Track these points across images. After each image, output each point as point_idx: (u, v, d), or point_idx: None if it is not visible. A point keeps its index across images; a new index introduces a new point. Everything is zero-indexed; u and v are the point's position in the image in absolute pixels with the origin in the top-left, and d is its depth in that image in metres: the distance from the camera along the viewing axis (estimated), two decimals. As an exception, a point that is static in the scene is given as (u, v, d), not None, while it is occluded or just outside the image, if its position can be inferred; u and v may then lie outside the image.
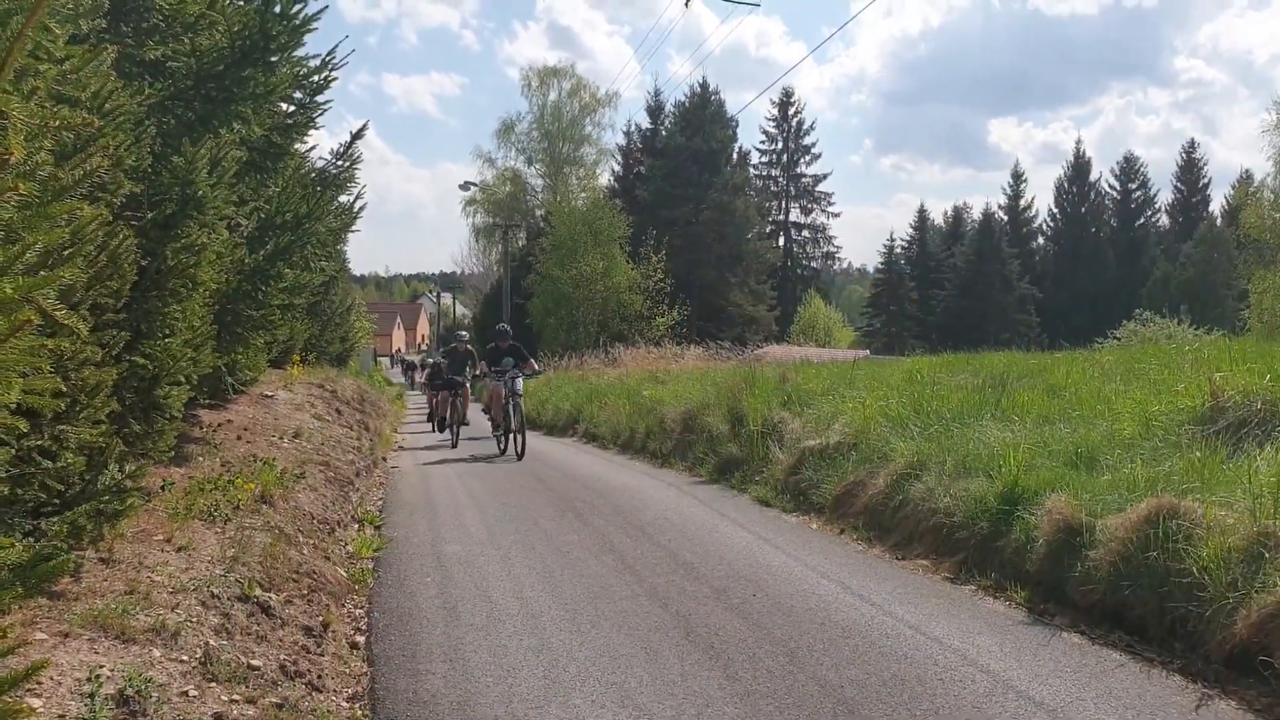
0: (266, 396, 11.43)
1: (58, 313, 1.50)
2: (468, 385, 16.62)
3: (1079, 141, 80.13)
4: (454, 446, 15.13)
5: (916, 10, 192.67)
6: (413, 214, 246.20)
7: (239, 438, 8.19)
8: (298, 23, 5.48)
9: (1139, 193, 59.48)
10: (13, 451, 3.14)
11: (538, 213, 50.62)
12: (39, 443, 3.02)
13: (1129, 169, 59.72)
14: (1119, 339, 29.30)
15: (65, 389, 3.10)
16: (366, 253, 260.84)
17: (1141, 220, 59.40)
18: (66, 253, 1.94)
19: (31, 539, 2.77)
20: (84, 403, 3.19)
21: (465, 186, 48.17)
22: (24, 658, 2.80)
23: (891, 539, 6.50)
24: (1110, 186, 60.25)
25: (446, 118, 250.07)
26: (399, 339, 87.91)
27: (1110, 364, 10.82)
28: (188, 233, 4.21)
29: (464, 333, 19.88)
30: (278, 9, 5.38)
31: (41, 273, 1.47)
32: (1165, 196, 61.03)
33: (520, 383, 13.33)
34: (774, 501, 8.22)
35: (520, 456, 12.44)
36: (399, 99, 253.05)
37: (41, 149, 1.50)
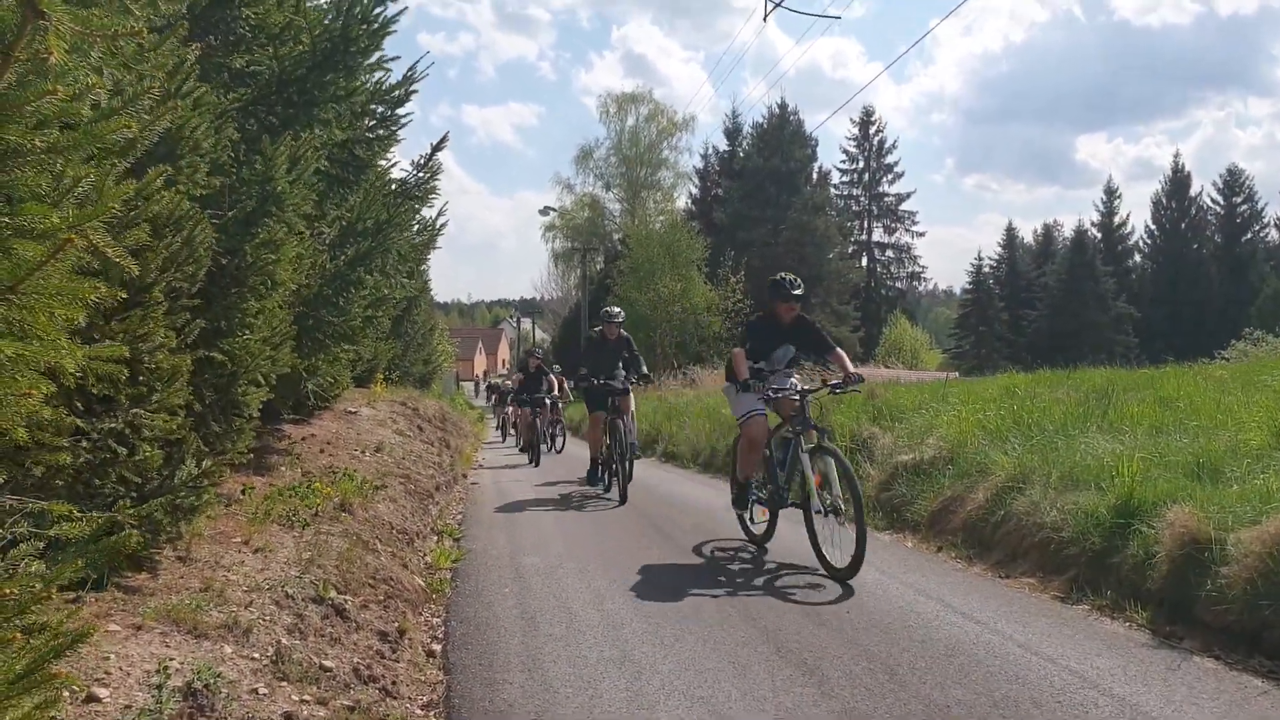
0: (350, 412, 11.54)
1: (108, 250, 1.38)
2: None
3: (1177, 155, 77.11)
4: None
5: (997, 28, 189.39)
6: (492, 243, 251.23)
7: (321, 450, 8.22)
8: (376, 26, 5.47)
9: (1244, 206, 56.81)
10: (90, 441, 3.09)
11: (615, 236, 50.88)
12: (113, 426, 2.96)
13: (1233, 182, 57.15)
14: (1228, 358, 27.81)
15: (140, 373, 3.05)
16: (449, 280, 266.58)
17: (1248, 235, 56.65)
18: (132, 213, 1.86)
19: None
20: (159, 390, 3.13)
21: (544, 212, 48.69)
22: (94, 648, 2.72)
23: (993, 556, 6.11)
24: (1213, 201, 57.74)
25: (525, 147, 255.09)
26: (480, 364, 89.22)
27: (1225, 377, 10.19)
28: (267, 229, 4.18)
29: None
30: (358, 12, 5.39)
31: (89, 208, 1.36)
32: (1274, 210, 58.25)
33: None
34: (865, 519, 7.86)
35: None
36: (478, 129, 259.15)
37: (83, 66, 1.39)
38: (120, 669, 2.67)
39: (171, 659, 2.79)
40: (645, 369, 10.44)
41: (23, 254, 1.30)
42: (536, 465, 14.79)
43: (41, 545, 2.02)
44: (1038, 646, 4.30)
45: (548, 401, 16.23)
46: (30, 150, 1.27)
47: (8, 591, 1.54)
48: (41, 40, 1.22)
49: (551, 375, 17.17)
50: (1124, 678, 3.87)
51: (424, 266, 18.47)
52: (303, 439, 8.52)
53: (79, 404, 2.86)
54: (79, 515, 1.86)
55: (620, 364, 10.30)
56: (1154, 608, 4.71)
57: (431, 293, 27.76)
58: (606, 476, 10.24)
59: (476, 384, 67.53)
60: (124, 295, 2.80)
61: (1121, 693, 3.69)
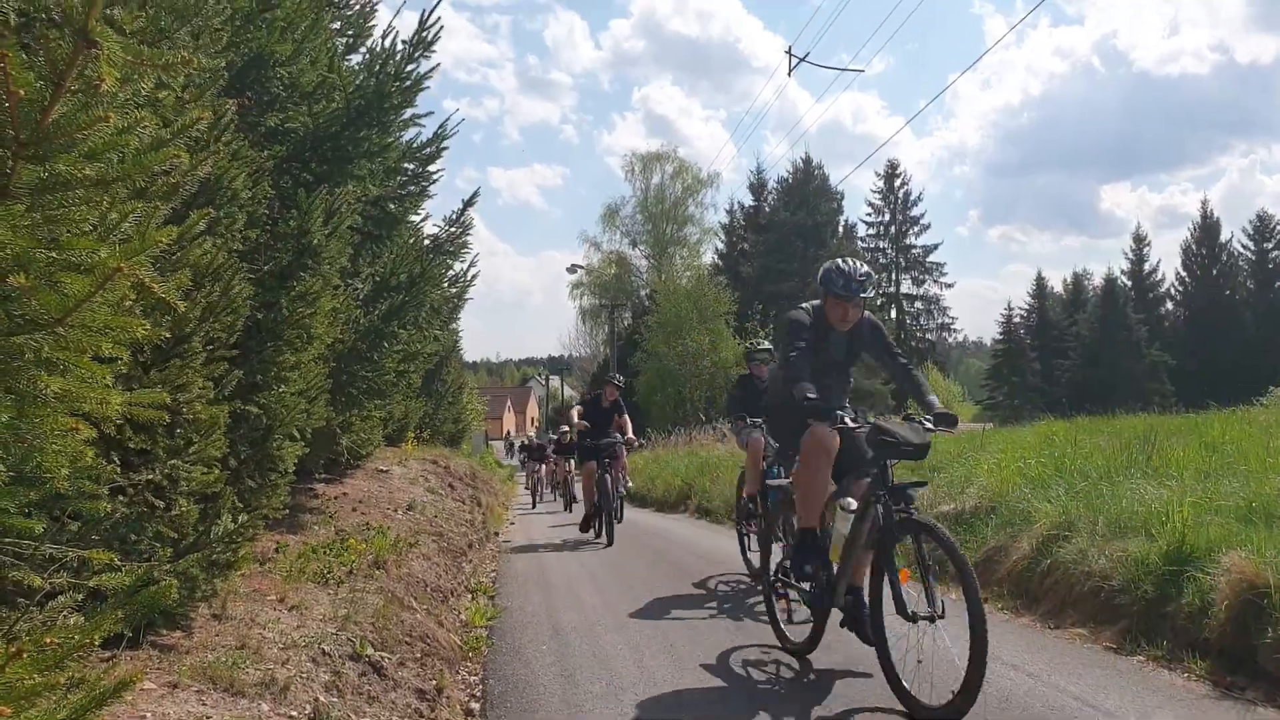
0: (381, 471, 11.54)
1: (155, 285, 1.38)
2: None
3: (1205, 201, 76.47)
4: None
5: (1015, 81, 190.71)
6: (520, 302, 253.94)
7: (354, 509, 8.20)
8: (409, 84, 5.58)
9: (1276, 252, 56.19)
10: (126, 496, 3.08)
11: (642, 293, 51.16)
12: (150, 478, 2.95)
13: (1263, 228, 56.59)
14: (1266, 405, 27.19)
15: (178, 425, 3.05)
16: (478, 340, 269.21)
17: (1281, 281, 55.92)
18: (175, 257, 1.87)
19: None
20: (197, 441, 3.13)
21: (572, 269, 49.16)
22: (130, 706, 2.67)
23: (1041, 607, 5.93)
24: (1244, 247, 57.15)
25: (550, 207, 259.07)
26: (509, 421, 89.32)
27: (1270, 421, 9.96)
28: (303, 282, 4.22)
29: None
30: (391, 69, 5.50)
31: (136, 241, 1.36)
32: (1307, 256, 57.40)
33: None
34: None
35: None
36: (504, 191, 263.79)
37: (133, 100, 1.39)
38: (157, 727, 2.62)
39: (209, 717, 2.74)
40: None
41: (70, 288, 1.30)
42: (610, 544, 10.70)
43: (80, 598, 1.99)
44: (1094, 699, 4.14)
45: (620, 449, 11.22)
46: (79, 182, 1.27)
47: (49, 641, 1.51)
48: (94, 68, 1.22)
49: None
50: (1188, 731, 3.71)
51: (455, 325, 18.63)
52: (335, 497, 8.51)
53: (116, 457, 2.86)
54: (119, 565, 1.84)
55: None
56: (1213, 657, 4.54)
57: (461, 351, 27.93)
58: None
59: (508, 442, 67.37)
60: (163, 341, 2.82)
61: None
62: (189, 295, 2.98)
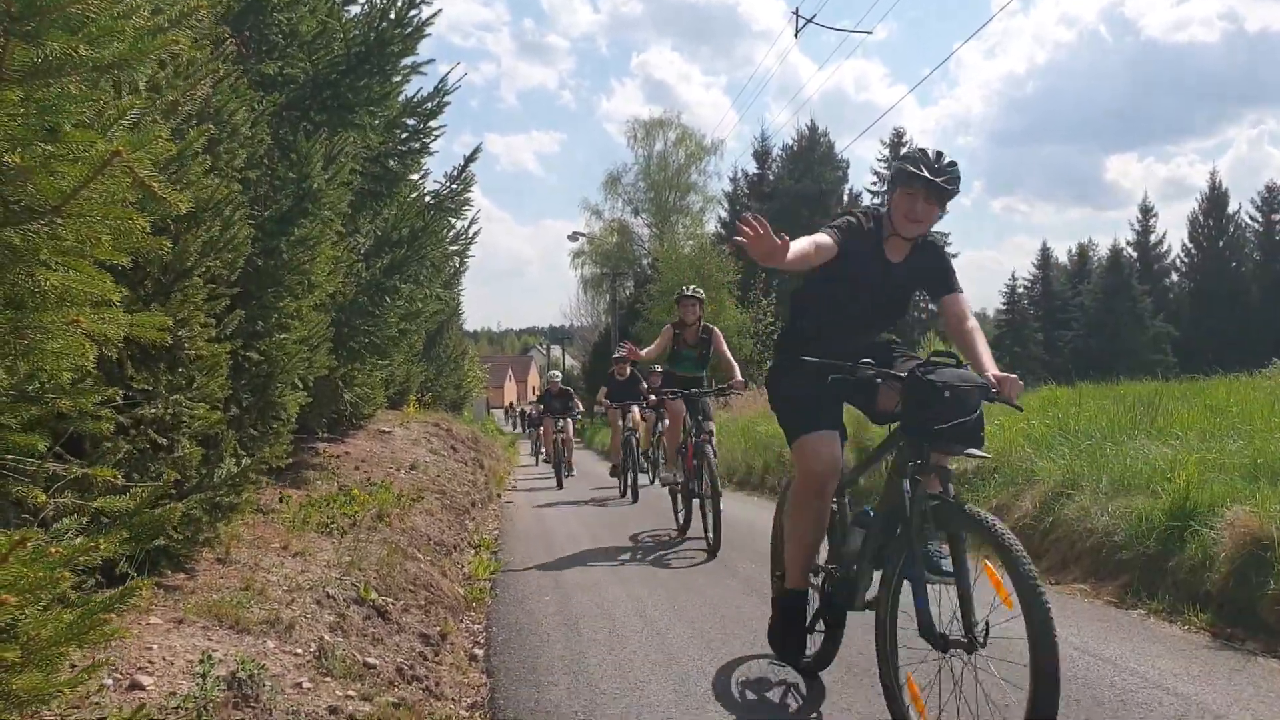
0: (384, 432, 11.55)
1: (154, 184, 1.35)
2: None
3: (1214, 172, 75.60)
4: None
5: (1020, 49, 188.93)
6: (519, 270, 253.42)
7: (356, 468, 8.21)
8: (410, 30, 5.50)
9: (1284, 224, 55.80)
10: (128, 437, 3.07)
11: (644, 261, 50.87)
12: (153, 413, 2.94)
13: (1271, 200, 56.13)
14: (1267, 375, 27.12)
15: (179, 361, 3.04)
16: (478, 309, 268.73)
17: (1288, 252, 55.58)
18: (174, 174, 1.85)
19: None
20: (199, 378, 3.12)
21: (574, 237, 48.88)
22: (137, 639, 2.68)
23: (1044, 563, 5.95)
24: (1251, 219, 56.77)
25: (547, 174, 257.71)
26: (511, 391, 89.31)
27: (1276, 386, 9.94)
28: (303, 227, 4.19)
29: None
30: (393, 15, 5.43)
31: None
32: (1315, 227, 57.03)
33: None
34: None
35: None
36: (501, 157, 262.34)
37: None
38: (163, 659, 2.63)
39: (214, 650, 2.75)
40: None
41: (68, 178, 1.27)
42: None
43: (84, 521, 1.99)
44: (1095, 649, 4.15)
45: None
46: (76, 65, 1.24)
47: (53, 550, 1.50)
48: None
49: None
50: (1187, 678, 3.72)
51: (457, 289, 18.57)
52: (338, 456, 8.52)
53: (119, 395, 2.84)
54: (123, 485, 1.83)
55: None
56: (1214, 610, 4.55)
57: (462, 318, 27.86)
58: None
59: (507, 411, 67.35)
60: (163, 276, 2.80)
61: (1185, 691, 3.54)
62: (190, 228, 2.95)
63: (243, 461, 3.60)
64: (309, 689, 2.84)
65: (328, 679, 2.99)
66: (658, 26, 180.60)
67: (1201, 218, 57.16)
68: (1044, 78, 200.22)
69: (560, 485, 14.45)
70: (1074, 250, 62.23)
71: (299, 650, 3.11)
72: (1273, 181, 58.95)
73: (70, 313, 1.38)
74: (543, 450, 22.06)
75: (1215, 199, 57.15)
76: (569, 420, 16.45)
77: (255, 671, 2.62)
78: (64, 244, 1.33)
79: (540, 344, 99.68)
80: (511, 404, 78.49)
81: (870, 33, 22.88)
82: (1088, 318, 54.53)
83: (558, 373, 19.67)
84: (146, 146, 1.34)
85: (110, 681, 2.43)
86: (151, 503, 1.89)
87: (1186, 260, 58.01)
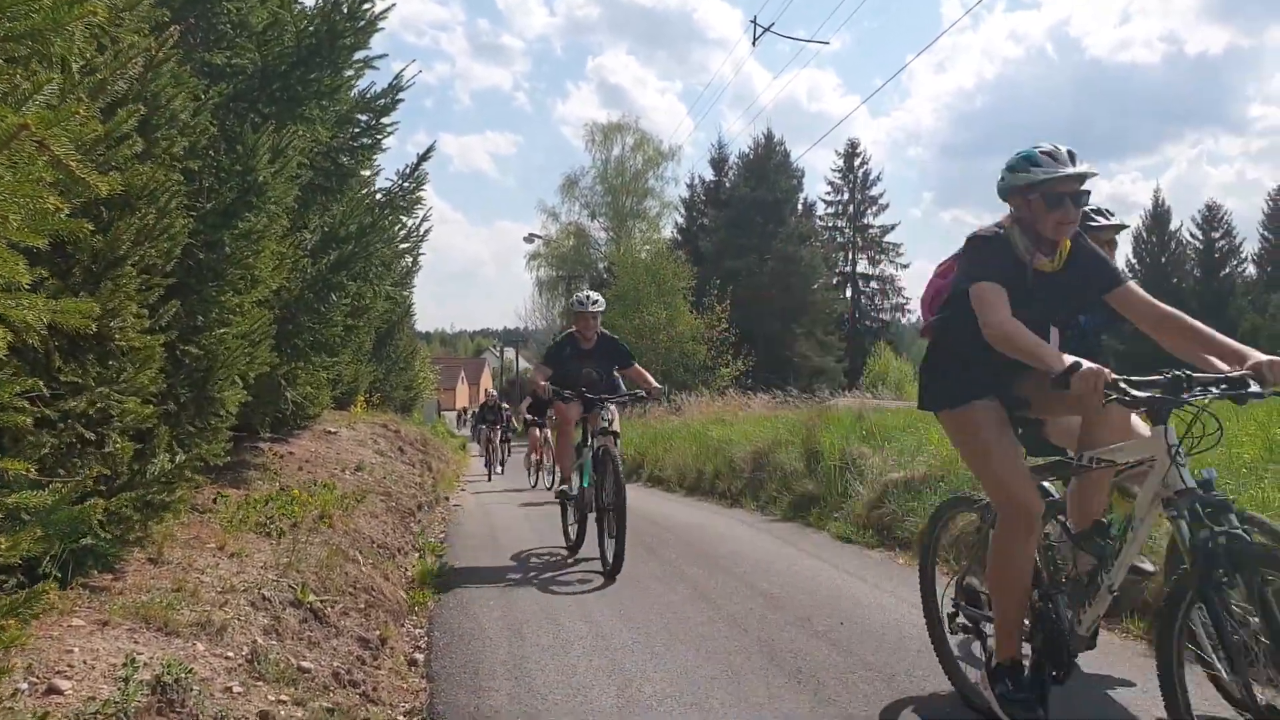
0: (329, 433, 11.34)
1: (72, 163, 1.27)
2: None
3: (1158, 190, 77.75)
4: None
5: (970, 64, 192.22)
6: (473, 271, 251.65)
7: (300, 468, 8.04)
8: (363, 23, 5.39)
9: (1223, 242, 57.43)
10: (54, 431, 2.95)
11: (601, 265, 50.77)
12: (79, 406, 2.82)
13: (1211, 218, 57.82)
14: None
15: (109, 354, 2.92)
16: (431, 311, 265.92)
17: (1226, 270, 57.24)
18: (101, 156, 1.75)
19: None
20: (129, 370, 3.00)
21: (530, 239, 48.70)
22: (58, 642, 2.57)
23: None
24: (1192, 236, 58.38)
25: (502, 176, 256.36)
26: (463, 394, 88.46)
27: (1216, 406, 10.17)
28: (247, 220, 4.07)
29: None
30: (346, 8, 5.32)
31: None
32: (1250, 246, 58.81)
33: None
34: (855, 537, 7.75)
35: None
36: (455, 158, 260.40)
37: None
38: (84, 662, 2.52)
39: (139, 654, 2.64)
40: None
41: (-25, 154, 1.20)
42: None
43: None
44: (1038, 656, 4.18)
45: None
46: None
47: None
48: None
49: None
50: (1136, 686, 3.77)
51: (409, 289, 18.33)
52: (281, 456, 8.34)
53: (44, 388, 2.73)
54: (41, 481, 1.74)
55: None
56: (1151, 619, 4.62)
57: (414, 318, 27.52)
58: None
59: (460, 415, 66.43)
60: (93, 264, 2.69)
61: (1132, 699, 3.60)
62: (122, 215, 2.84)
63: (177, 458, 3.48)
64: (240, 693, 2.75)
65: (260, 683, 2.89)
66: (613, 30, 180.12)
67: (1145, 234, 58.65)
68: (993, 92, 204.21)
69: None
70: (1021, 264, 63.28)
71: (230, 653, 3.01)
72: (1213, 200, 60.67)
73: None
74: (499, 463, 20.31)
75: (1158, 216, 58.64)
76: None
77: (182, 675, 2.52)
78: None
79: (494, 346, 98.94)
80: (465, 409, 77.26)
81: (827, 43, 23.24)
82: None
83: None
84: (64, 123, 1.26)
85: (26, 685, 2.32)
86: (73, 499, 1.80)
87: (1132, 275, 59.25)
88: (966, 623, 3.57)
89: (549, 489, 13.10)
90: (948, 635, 3.70)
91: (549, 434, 13.61)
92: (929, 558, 3.85)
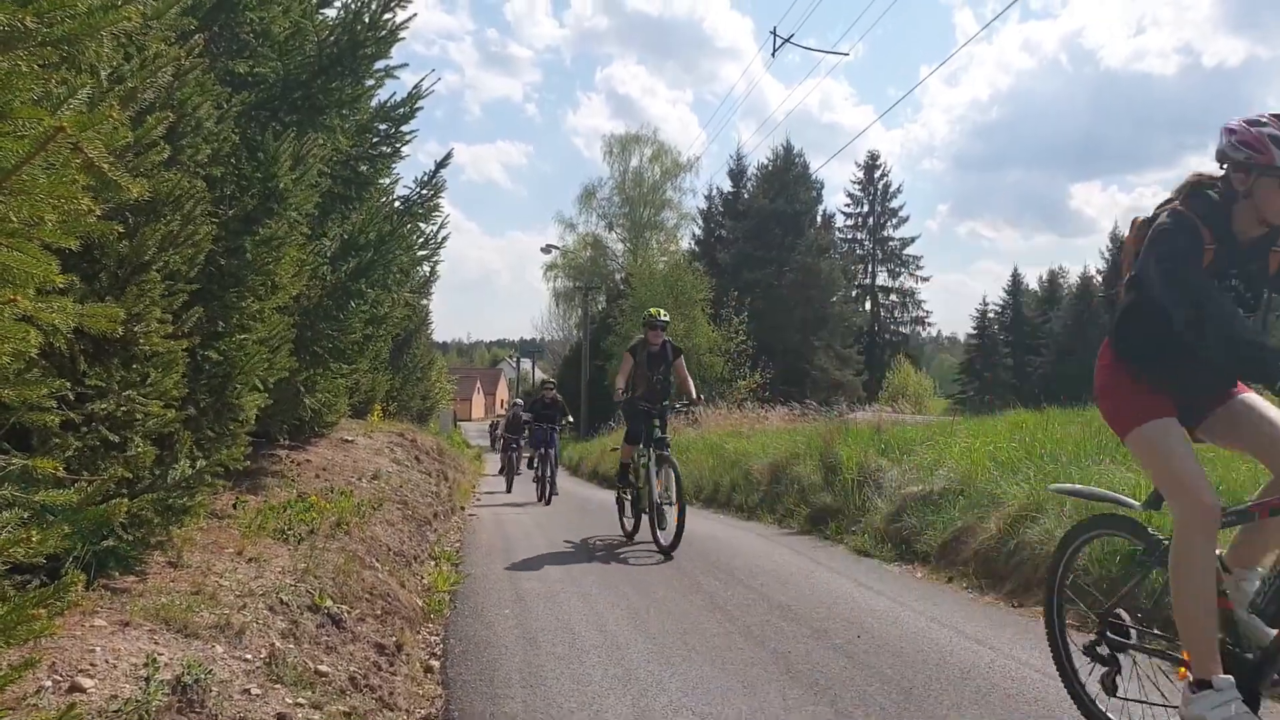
0: (346, 441, 11.40)
1: (105, 166, 1.30)
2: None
3: (1176, 207, 77.03)
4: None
5: (983, 75, 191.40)
6: (488, 280, 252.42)
7: (317, 475, 8.08)
8: (385, 33, 5.45)
9: (1244, 257, 56.81)
10: (78, 434, 2.98)
11: (617, 276, 50.85)
12: (105, 408, 2.85)
13: (1233, 232, 57.22)
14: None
15: (134, 357, 2.96)
16: (448, 321, 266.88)
17: (1254, 284, 56.60)
18: (130, 163, 1.79)
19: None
20: (153, 374, 3.04)
21: (547, 250, 48.78)
22: (81, 641, 2.60)
23: (1006, 586, 5.96)
24: (1213, 249, 57.76)
25: (515, 186, 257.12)
26: (479, 404, 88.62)
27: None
28: (268, 227, 4.12)
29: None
30: (367, 19, 5.38)
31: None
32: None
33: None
34: (873, 551, 7.71)
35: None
36: (468, 167, 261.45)
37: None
38: (106, 661, 2.54)
39: (160, 654, 2.67)
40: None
41: (11, 154, 1.22)
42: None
43: (25, 515, 1.91)
44: (1054, 671, 4.14)
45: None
46: (20, 36, 1.19)
47: (-14, 545, 1.43)
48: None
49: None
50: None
51: (426, 297, 18.41)
52: (298, 463, 8.39)
53: (70, 390, 2.76)
54: (67, 479, 1.76)
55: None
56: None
57: (431, 328, 27.63)
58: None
59: (492, 428, 65.83)
60: (119, 270, 2.73)
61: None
62: (148, 221, 2.88)
63: (198, 463, 3.51)
64: (258, 695, 2.76)
65: (277, 686, 2.91)
66: (622, 40, 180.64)
67: (1166, 249, 58.01)
68: (1007, 104, 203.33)
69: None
70: (1044, 277, 63.03)
71: (249, 656, 3.03)
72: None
73: (7, 292, 1.32)
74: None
75: (1180, 231, 58.01)
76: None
77: (202, 676, 2.54)
78: (8, 225, 1.27)
79: (510, 357, 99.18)
80: (494, 424, 76.06)
81: (846, 54, 23.21)
82: (1057, 344, 55.20)
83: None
84: (97, 126, 1.29)
85: (50, 683, 2.35)
86: (97, 499, 1.82)
87: (1153, 290, 58.72)
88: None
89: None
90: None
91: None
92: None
